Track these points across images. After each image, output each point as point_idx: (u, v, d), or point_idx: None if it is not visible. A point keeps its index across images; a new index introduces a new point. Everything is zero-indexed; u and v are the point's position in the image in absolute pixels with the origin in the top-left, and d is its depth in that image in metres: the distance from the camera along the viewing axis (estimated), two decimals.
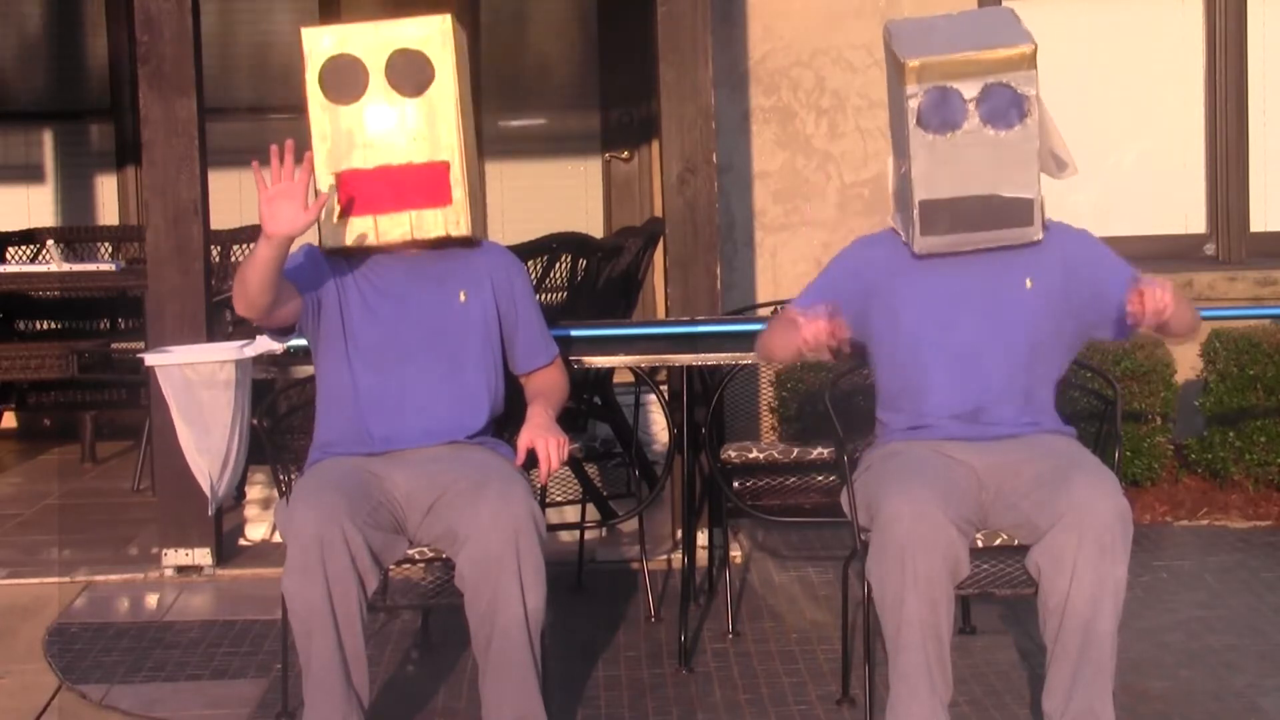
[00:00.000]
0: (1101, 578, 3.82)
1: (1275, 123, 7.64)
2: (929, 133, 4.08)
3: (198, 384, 5.22)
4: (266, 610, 5.17)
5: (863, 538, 4.07)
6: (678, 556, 5.45)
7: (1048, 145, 4.16)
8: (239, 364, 5.20)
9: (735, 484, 5.14)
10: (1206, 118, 7.59)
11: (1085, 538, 3.82)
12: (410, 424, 4.22)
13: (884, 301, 4.18)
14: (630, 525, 5.64)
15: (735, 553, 5.69)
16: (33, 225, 8.07)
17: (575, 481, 5.51)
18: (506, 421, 4.43)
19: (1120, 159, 7.59)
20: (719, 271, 5.72)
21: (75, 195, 8.70)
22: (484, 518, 3.93)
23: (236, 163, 7.51)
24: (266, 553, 5.86)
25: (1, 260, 7.67)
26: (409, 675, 4.76)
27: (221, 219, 6.93)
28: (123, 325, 7.62)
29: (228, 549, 5.88)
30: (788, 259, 7.36)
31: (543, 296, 5.97)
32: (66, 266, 7.11)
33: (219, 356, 5.22)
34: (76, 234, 7.96)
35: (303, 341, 4.35)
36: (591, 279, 6.20)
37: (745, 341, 5.09)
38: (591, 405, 5.92)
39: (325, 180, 4.20)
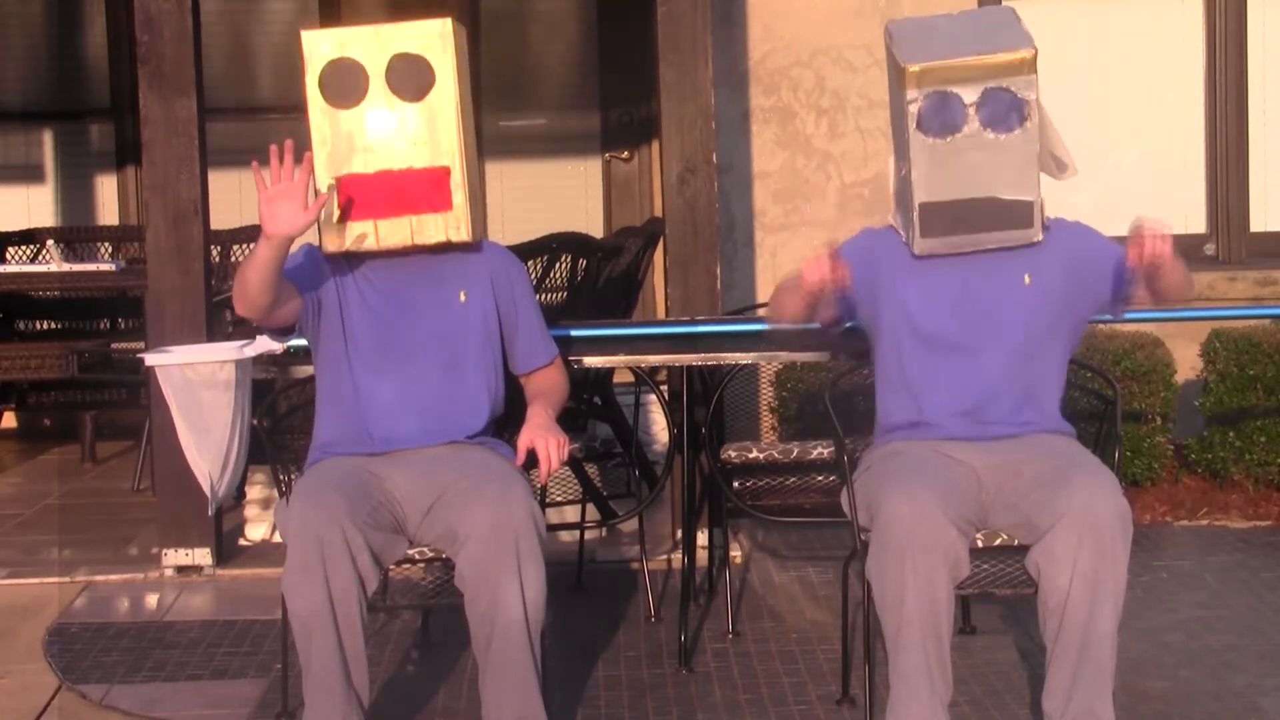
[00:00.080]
0: (1101, 578, 3.82)
1: (1275, 123, 7.64)
2: (929, 136, 4.09)
3: (198, 384, 5.21)
4: (266, 610, 5.17)
5: (863, 538, 4.07)
6: (678, 556, 5.45)
7: (1048, 147, 4.16)
8: (239, 364, 5.20)
9: (735, 484, 5.14)
10: (1206, 118, 7.59)
11: (1085, 538, 3.82)
12: (410, 424, 4.21)
13: (886, 295, 4.19)
14: (630, 525, 5.64)
15: (735, 553, 5.69)
16: (33, 225, 8.07)
17: (575, 481, 5.51)
18: (506, 421, 4.43)
19: (1120, 159, 7.59)
20: (719, 271, 5.72)
21: (75, 195, 8.70)
22: (484, 518, 3.93)
23: (236, 163, 7.51)
24: (266, 553, 5.86)
25: (1, 260, 7.67)
26: (409, 675, 4.76)
27: (221, 219, 6.93)
28: (123, 325, 7.62)
29: (228, 549, 5.88)
30: (788, 259, 7.36)
31: (543, 296, 5.97)
32: (66, 266, 7.11)
33: (219, 356, 5.22)
34: (76, 234, 7.96)
35: (303, 341, 4.35)
36: (591, 279, 6.20)
37: (745, 341, 5.09)
38: (591, 405, 5.92)
39: (325, 184, 4.19)
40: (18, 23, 8.69)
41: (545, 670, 4.01)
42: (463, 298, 4.29)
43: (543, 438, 4.14)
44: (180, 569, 5.73)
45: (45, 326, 7.74)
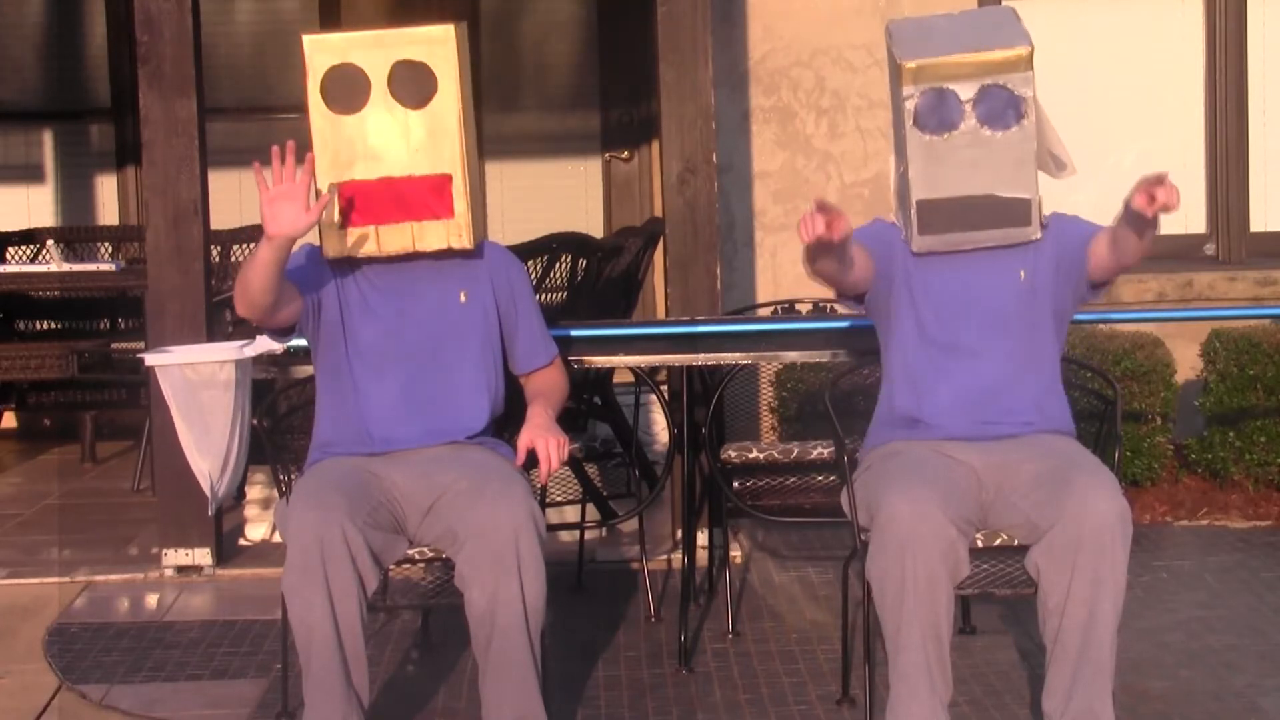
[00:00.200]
0: (1101, 578, 3.82)
1: (1275, 123, 7.64)
2: (926, 133, 4.09)
3: (198, 384, 5.21)
4: (266, 610, 5.17)
5: (863, 538, 4.07)
6: (678, 556, 5.44)
7: (1046, 145, 4.16)
8: (239, 364, 5.20)
9: (735, 484, 5.14)
10: (1206, 118, 7.59)
11: (1085, 538, 3.82)
12: (410, 424, 4.21)
13: (899, 282, 4.18)
14: (630, 525, 5.64)
15: (735, 553, 5.69)
16: (33, 225, 8.07)
17: (575, 481, 5.51)
18: (506, 421, 4.43)
19: (1120, 159, 7.58)
20: (719, 271, 5.72)
21: (75, 195, 8.70)
22: (484, 518, 3.93)
23: (236, 163, 7.52)
24: (266, 553, 5.86)
25: (1, 260, 7.67)
26: (409, 675, 4.76)
27: (221, 219, 6.93)
28: (123, 325, 7.62)
29: (228, 549, 5.88)
30: (788, 259, 7.36)
31: (543, 296, 5.98)
32: (66, 266, 7.11)
33: (219, 356, 5.22)
34: (76, 234, 7.96)
35: (302, 341, 4.35)
36: (591, 279, 6.20)
37: (745, 341, 5.10)
38: (591, 405, 5.92)
39: (326, 189, 4.19)
40: (18, 22, 8.69)
41: (545, 670, 4.01)
42: (463, 298, 4.29)
43: (543, 438, 4.14)
44: (180, 569, 5.73)
45: (45, 326, 7.74)
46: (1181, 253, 7.57)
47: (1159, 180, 3.81)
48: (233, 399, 5.22)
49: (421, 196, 4.20)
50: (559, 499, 5.51)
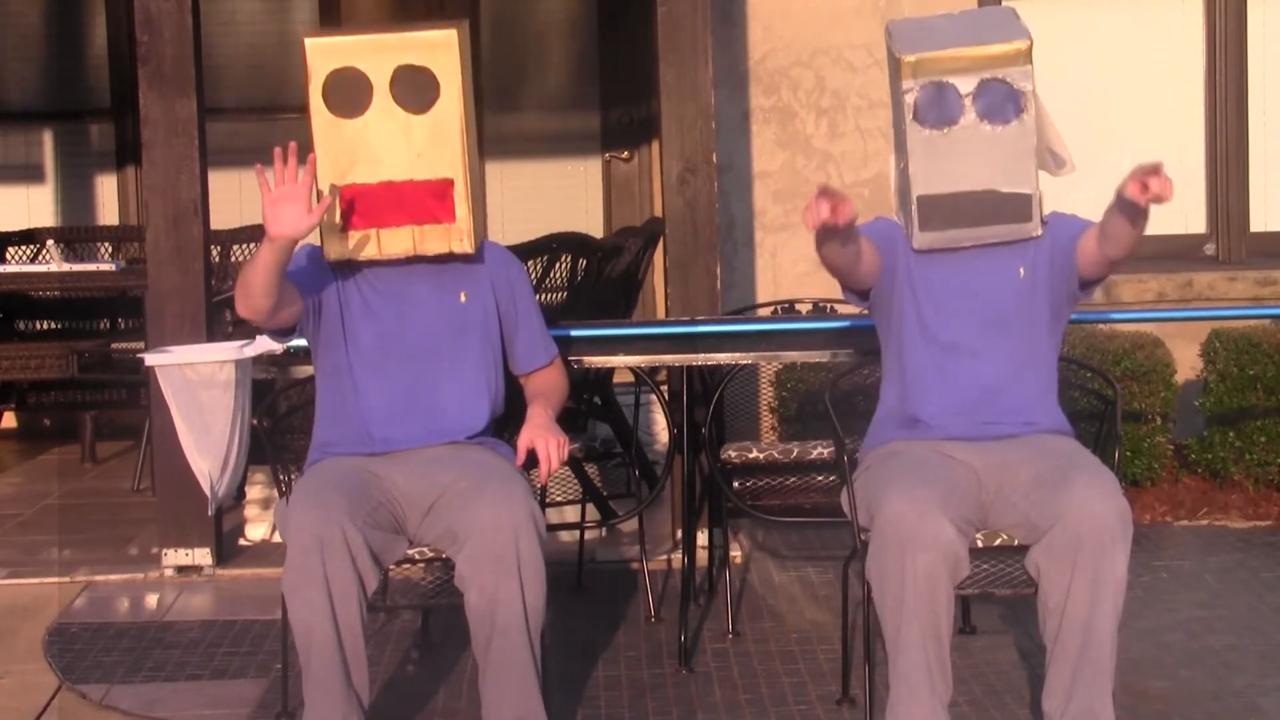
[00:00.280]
0: (1101, 578, 3.82)
1: (1275, 123, 7.64)
2: (926, 128, 4.09)
3: (198, 384, 5.21)
4: (266, 610, 5.16)
5: (863, 538, 4.07)
6: (678, 556, 5.44)
7: (1045, 142, 4.16)
8: (239, 364, 5.20)
9: (735, 484, 5.14)
10: (1206, 118, 7.59)
11: (1085, 538, 3.82)
12: (410, 424, 4.21)
13: (901, 279, 4.18)
14: (630, 525, 5.64)
15: (735, 553, 5.69)
16: (33, 225, 8.07)
17: (575, 481, 5.51)
18: (506, 421, 4.43)
19: (1120, 159, 7.56)
20: (719, 271, 5.72)
21: (75, 195, 8.70)
22: (483, 518, 3.93)
23: (236, 163, 7.52)
24: (266, 553, 5.86)
25: (1, 260, 7.67)
26: (409, 675, 4.76)
27: (221, 219, 6.93)
28: (123, 325, 7.62)
29: (228, 549, 5.88)
30: (788, 259, 7.36)
31: (543, 296, 5.97)
32: (66, 266, 7.11)
33: (219, 356, 5.22)
34: (76, 234, 7.96)
35: (302, 341, 4.35)
36: (591, 279, 6.20)
37: (745, 341, 5.10)
38: (591, 405, 5.92)
39: (328, 193, 4.19)
40: (18, 23, 8.69)
41: (545, 670, 4.01)
42: (463, 298, 4.29)
43: (543, 438, 4.14)
44: (180, 569, 5.73)
45: (45, 326, 7.74)
46: (1181, 253, 7.57)
47: (1154, 170, 3.81)
48: (233, 399, 5.22)
49: (423, 201, 4.20)
50: (559, 499, 5.51)
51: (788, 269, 7.36)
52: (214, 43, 7.96)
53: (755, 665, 4.77)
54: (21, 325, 7.72)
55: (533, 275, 5.80)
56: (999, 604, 5.04)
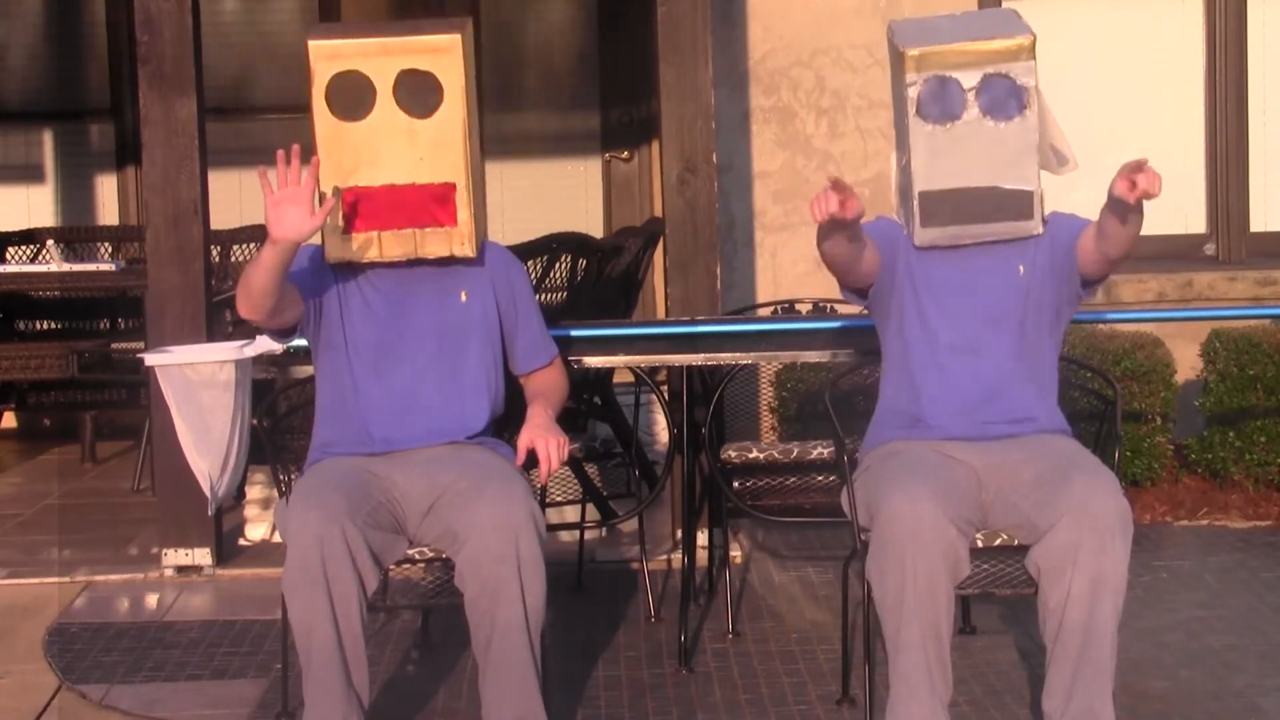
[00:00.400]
0: (1102, 578, 3.82)
1: (1275, 123, 7.64)
2: (928, 123, 4.09)
3: (198, 384, 5.21)
4: (266, 610, 5.16)
5: (863, 538, 4.07)
6: (678, 556, 5.44)
7: (1048, 139, 4.16)
8: (239, 364, 5.20)
9: (735, 484, 5.14)
10: (1206, 118, 7.59)
11: (1085, 538, 3.82)
12: (410, 424, 4.21)
13: (902, 278, 4.18)
14: (630, 525, 5.64)
15: (735, 553, 5.69)
16: (33, 225, 8.07)
17: (575, 481, 5.51)
18: (507, 421, 4.43)
19: (1120, 158, 7.57)
20: (719, 271, 5.72)
21: (75, 195, 8.70)
22: (483, 518, 3.93)
23: (236, 163, 7.52)
24: (266, 553, 5.85)
25: (1, 260, 7.67)
26: (409, 675, 4.76)
27: (221, 219, 6.93)
28: (123, 325, 7.62)
29: (228, 549, 5.88)
30: (788, 259, 7.36)
31: (543, 296, 5.97)
32: (66, 266, 7.11)
33: (219, 356, 5.22)
34: (76, 234, 7.96)
35: (303, 341, 4.35)
36: (591, 279, 6.20)
37: (745, 341, 5.10)
38: (591, 405, 5.92)
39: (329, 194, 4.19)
40: (18, 23, 8.69)
41: (545, 670, 4.01)
42: (464, 298, 4.29)
43: (542, 438, 4.14)
44: (180, 569, 5.73)
45: (45, 326, 7.74)
46: (1181, 253, 7.57)
47: (1139, 166, 3.82)
48: (233, 399, 5.22)
49: (425, 205, 4.20)
50: (559, 499, 5.51)
51: (788, 269, 7.36)
52: (214, 43, 7.96)
53: (755, 665, 4.77)
54: (21, 325, 7.72)
55: (533, 275, 5.80)
56: (999, 604, 5.04)
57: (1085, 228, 4.12)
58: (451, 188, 4.20)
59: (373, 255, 4.21)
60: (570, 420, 5.24)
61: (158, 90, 5.65)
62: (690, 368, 5.18)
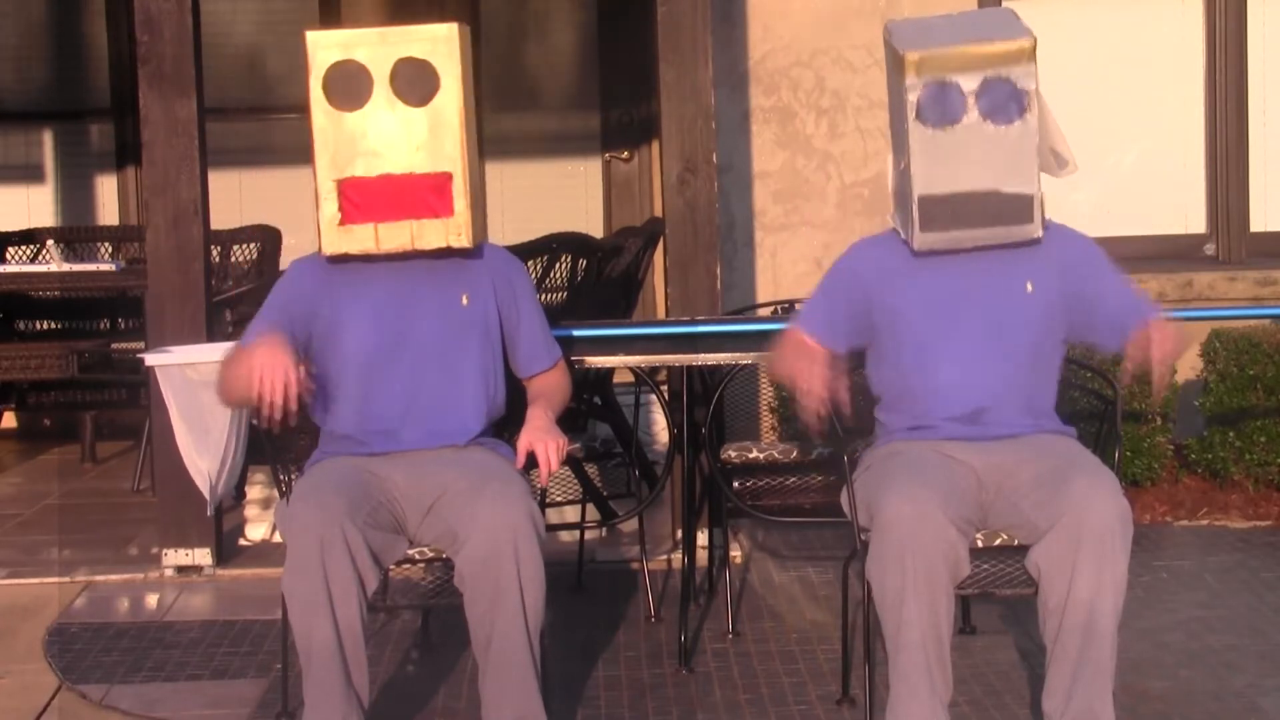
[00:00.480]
0: (1101, 578, 3.82)
1: (1275, 123, 7.64)
2: (928, 127, 4.08)
3: (198, 384, 5.21)
4: (266, 610, 5.17)
5: (863, 538, 4.07)
6: (678, 556, 5.45)
7: (1048, 142, 4.15)
8: None
9: (735, 484, 5.14)
10: (1206, 118, 7.59)
11: (1085, 538, 3.82)
12: (411, 426, 4.21)
13: (885, 300, 4.18)
14: (630, 525, 5.64)
15: (735, 553, 5.69)
16: (33, 225, 8.07)
17: (575, 481, 5.51)
18: (507, 422, 4.43)
19: (1120, 159, 7.59)
20: (719, 271, 5.72)
21: (75, 195, 8.70)
22: (482, 518, 3.93)
23: (236, 163, 7.54)
24: (266, 553, 5.85)
25: (1, 260, 7.67)
26: (409, 675, 4.76)
27: (221, 219, 6.93)
28: (123, 325, 7.62)
29: (228, 549, 5.88)
30: (788, 259, 7.36)
31: (543, 296, 5.97)
32: (66, 266, 7.11)
33: (219, 356, 5.20)
34: (76, 234, 7.96)
35: None
36: (591, 279, 6.20)
37: (745, 341, 5.09)
38: (591, 405, 5.92)
39: (327, 186, 4.20)
40: (18, 23, 8.69)
41: (545, 670, 4.01)
42: (464, 300, 4.29)
43: (542, 440, 4.13)
44: (180, 569, 5.73)
45: (45, 326, 7.74)
46: (1181, 253, 7.57)
47: (1147, 335, 3.85)
48: None
49: (421, 194, 4.20)
50: (559, 499, 5.51)
51: (788, 269, 7.36)
52: (214, 43, 7.96)
53: (755, 665, 4.77)
54: (21, 325, 7.72)
55: (533, 275, 5.79)
56: (999, 604, 5.04)
57: (1133, 325, 4.06)
58: (448, 177, 4.21)
59: (369, 247, 4.22)
60: (570, 420, 5.23)
61: (158, 90, 5.65)
62: (690, 368, 5.18)
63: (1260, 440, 6.39)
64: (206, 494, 5.37)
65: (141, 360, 5.40)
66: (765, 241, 7.41)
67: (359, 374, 4.22)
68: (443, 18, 4.33)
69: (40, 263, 7.56)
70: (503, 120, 8.53)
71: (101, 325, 7.66)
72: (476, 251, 4.32)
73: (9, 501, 6.93)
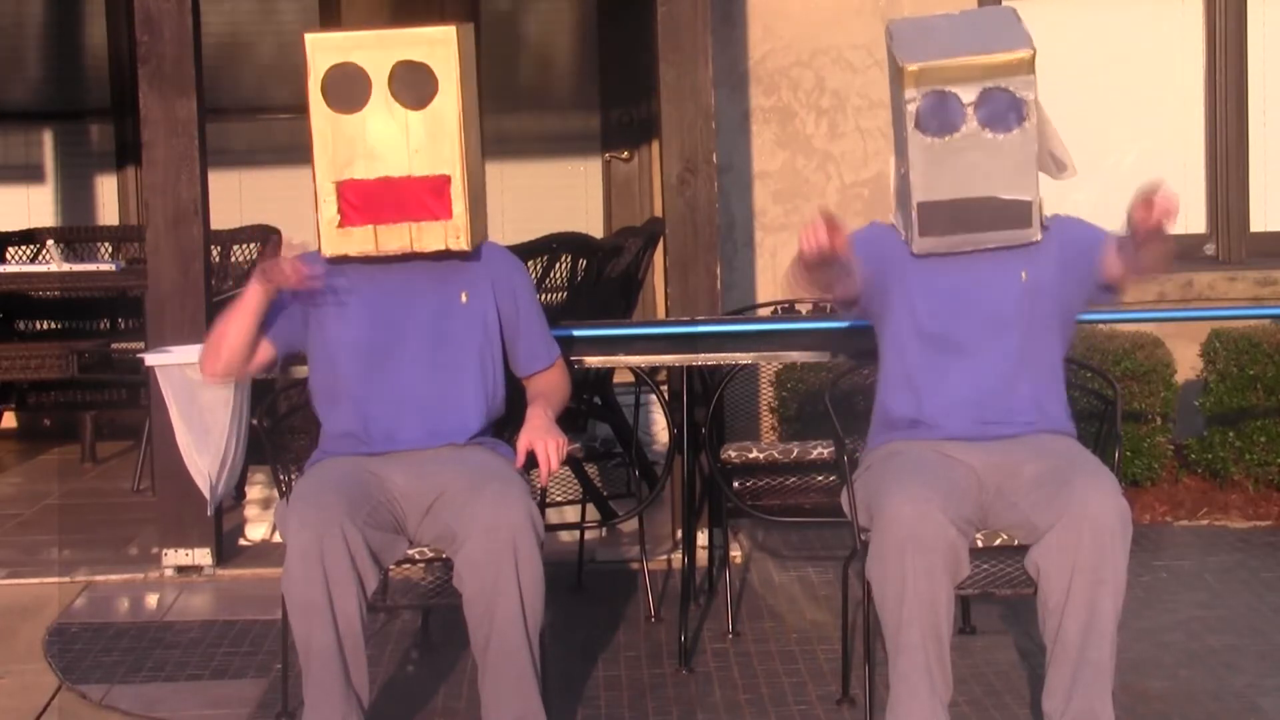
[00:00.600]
0: (1101, 578, 3.82)
1: (1275, 123, 7.64)
2: (927, 136, 4.09)
3: (198, 384, 5.21)
4: (266, 610, 5.16)
5: (863, 538, 4.07)
6: (678, 556, 5.44)
7: (1046, 147, 4.16)
8: None
9: (735, 484, 5.14)
10: (1206, 118, 7.59)
11: (1085, 538, 3.82)
12: (410, 426, 4.21)
13: (895, 288, 4.18)
14: (630, 525, 5.64)
15: (735, 553, 5.69)
16: (33, 225, 8.06)
17: (575, 481, 5.51)
18: (507, 422, 4.43)
19: (1120, 159, 7.59)
20: (719, 271, 5.72)
21: (75, 195, 8.69)
22: (481, 518, 3.93)
23: (236, 163, 7.54)
24: (266, 553, 5.85)
25: (1, 260, 7.66)
26: (409, 675, 4.76)
27: (221, 219, 6.93)
28: (123, 325, 7.62)
29: (228, 549, 5.88)
30: (788, 259, 7.27)
31: (543, 296, 5.97)
32: (66, 266, 7.11)
33: None
34: (76, 234, 7.95)
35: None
36: (591, 279, 6.20)
37: (745, 341, 5.10)
38: (591, 405, 5.92)
39: (326, 188, 4.20)
40: (18, 23, 8.69)
41: (545, 670, 4.01)
42: (464, 299, 4.29)
43: (541, 440, 4.14)
44: (180, 569, 5.73)
45: (45, 326, 7.74)
46: (1181, 253, 7.54)
47: (1154, 189, 3.81)
48: (232, 399, 5.22)
49: (420, 197, 4.20)
50: (559, 499, 5.51)
51: (788, 268, 7.34)
52: (214, 43, 7.96)
53: (755, 665, 4.77)
54: (21, 325, 7.72)
55: (533, 275, 5.79)
56: (999, 604, 5.04)
57: (1105, 241, 4.08)
58: (446, 180, 4.21)
59: (368, 249, 4.22)
60: (570, 420, 5.24)
61: (158, 90, 5.65)
62: (690, 368, 5.18)
63: (1260, 440, 6.39)
64: (206, 494, 5.37)
65: (141, 360, 5.40)
66: (765, 241, 7.41)
67: (358, 373, 4.22)
68: (443, 18, 4.33)
69: (40, 263, 7.56)
70: (503, 120, 8.51)
71: (101, 325, 7.66)
72: (476, 251, 4.32)
73: (9, 501, 6.93)
